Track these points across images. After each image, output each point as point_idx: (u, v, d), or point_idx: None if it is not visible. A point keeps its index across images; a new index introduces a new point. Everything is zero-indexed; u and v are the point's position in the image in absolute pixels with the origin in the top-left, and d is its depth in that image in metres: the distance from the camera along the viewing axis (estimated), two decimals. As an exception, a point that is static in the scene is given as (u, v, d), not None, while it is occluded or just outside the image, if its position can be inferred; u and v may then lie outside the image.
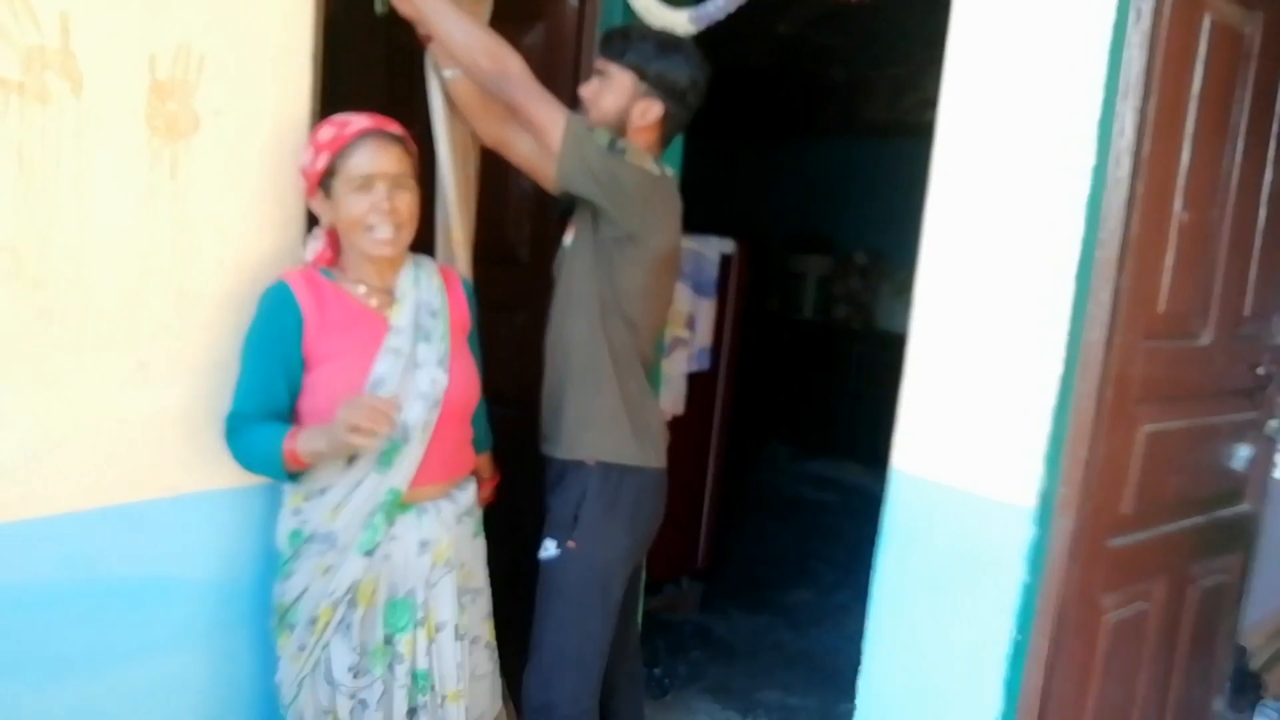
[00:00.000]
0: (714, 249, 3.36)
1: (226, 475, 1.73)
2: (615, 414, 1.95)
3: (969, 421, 1.75)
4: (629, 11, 2.23)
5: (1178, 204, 1.74)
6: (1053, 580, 1.69)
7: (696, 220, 3.33)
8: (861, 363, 5.87)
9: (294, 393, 1.67)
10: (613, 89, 1.93)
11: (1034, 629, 1.70)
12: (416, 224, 1.72)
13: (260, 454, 1.63)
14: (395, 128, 1.70)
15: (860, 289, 6.20)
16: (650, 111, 1.92)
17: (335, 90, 1.90)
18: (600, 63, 1.95)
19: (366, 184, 1.64)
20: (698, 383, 3.39)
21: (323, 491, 1.67)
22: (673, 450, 3.06)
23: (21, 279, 1.50)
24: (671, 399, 3.21)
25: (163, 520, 1.70)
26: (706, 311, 3.35)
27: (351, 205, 1.65)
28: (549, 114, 1.83)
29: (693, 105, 1.98)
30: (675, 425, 3.21)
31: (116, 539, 1.66)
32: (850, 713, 1.96)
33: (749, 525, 4.55)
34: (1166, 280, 1.77)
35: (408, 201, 1.69)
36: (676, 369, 3.24)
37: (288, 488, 1.71)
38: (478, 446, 1.94)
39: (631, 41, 1.94)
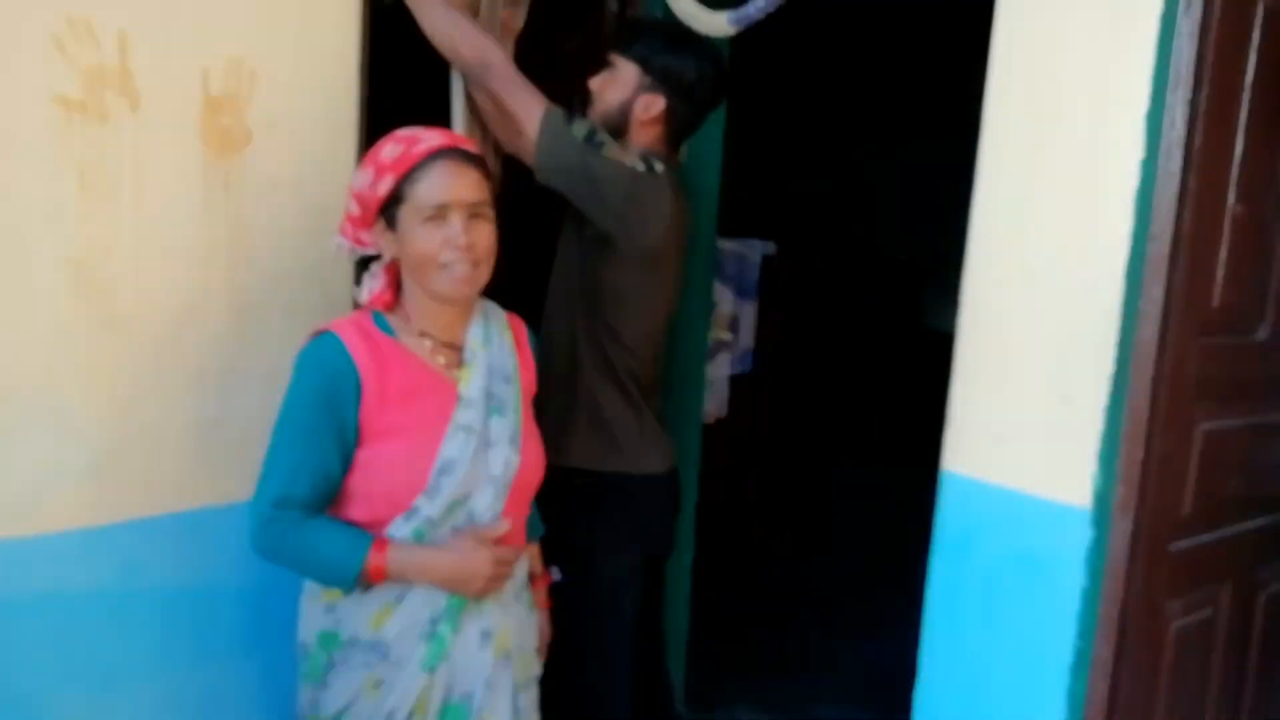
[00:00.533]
0: (756, 251, 3.35)
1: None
2: (593, 420, 1.90)
3: (1020, 421, 1.72)
4: (669, 15, 2.24)
5: (1231, 197, 1.70)
6: (1113, 585, 1.66)
7: (737, 223, 3.35)
8: (905, 363, 5.81)
9: (344, 472, 1.43)
10: (617, 81, 1.89)
11: (1097, 636, 1.67)
12: (495, 260, 1.49)
13: (328, 561, 1.39)
14: (472, 146, 1.51)
15: (905, 289, 6.16)
16: (653, 106, 1.87)
17: (378, 99, 1.93)
18: (611, 54, 1.92)
19: (440, 214, 1.41)
20: (742, 385, 3.38)
21: (363, 591, 1.42)
22: (717, 452, 3.06)
23: (85, 292, 1.54)
24: (715, 401, 3.21)
25: (219, 528, 1.73)
26: (749, 314, 3.35)
27: (422, 239, 1.41)
28: (527, 106, 1.79)
29: (702, 102, 1.91)
30: (719, 427, 3.24)
31: (174, 546, 1.68)
32: (908, 726, 1.94)
33: (797, 533, 4.51)
34: (1220, 275, 1.73)
35: (486, 234, 1.45)
36: (719, 371, 3.24)
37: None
38: (530, 532, 1.71)
39: (640, 33, 1.90)
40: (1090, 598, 1.67)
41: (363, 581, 1.39)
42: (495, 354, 1.53)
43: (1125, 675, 1.69)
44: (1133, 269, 1.59)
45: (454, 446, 1.43)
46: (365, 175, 1.46)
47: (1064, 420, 1.67)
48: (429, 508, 1.42)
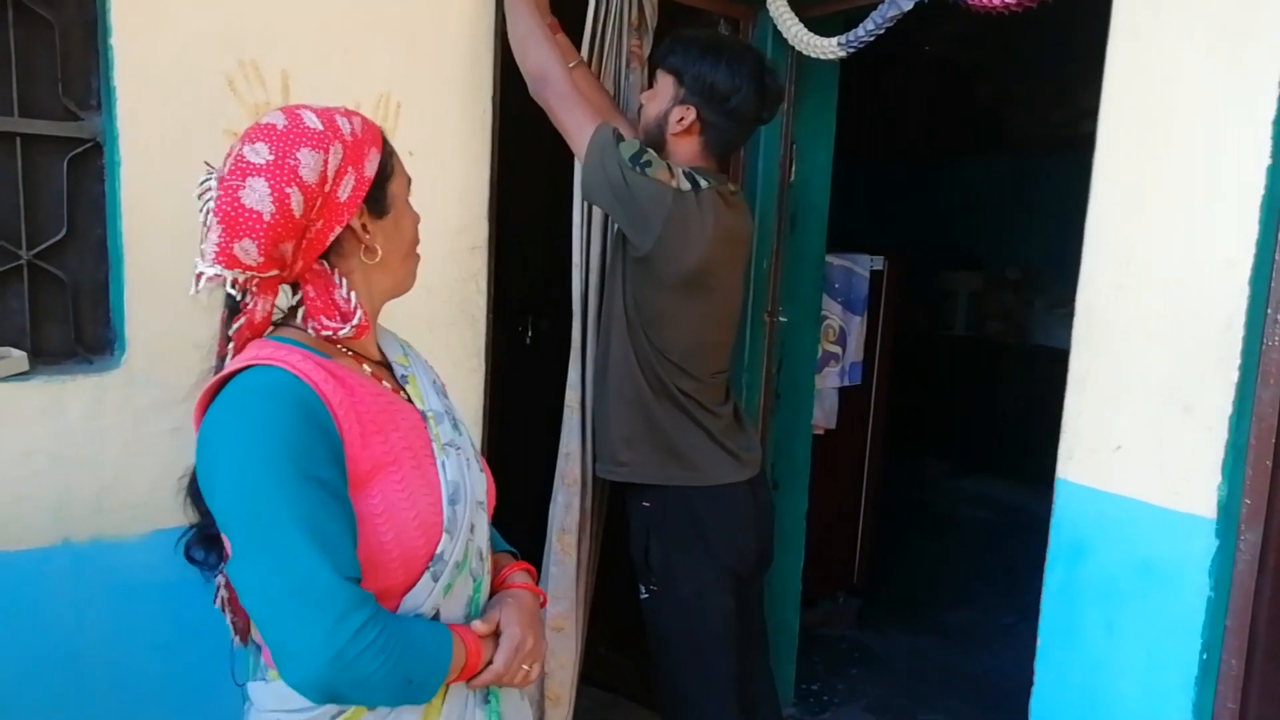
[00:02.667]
0: (864, 266, 3.37)
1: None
2: (651, 434, 1.90)
3: (1138, 430, 1.71)
4: (779, 39, 2.31)
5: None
6: (1241, 596, 1.63)
7: (846, 238, 3.38)
8: (1016, 379, 5.69)
9: None
10: (657, 94, 1.90)
11: (1225, 649, 1.64)
12: None
13: (430, 658, 1.05)
14: None
15: (1013, 304, 6.05)
16: (686, 116, 1.85)
17: (508, 128, 2.06)
18: (657, 70, 1.93)
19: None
20: (850, 397, 3.40)
21: None
22: (826, 464, 3.10)
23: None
24: (823, 413, 3.24)
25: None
26: (857, 327, 3.37)
27: (409, 218, 1.19)
28: (578, 123, 1.82)
29: (740, 114, 1.85)
30: (828, 440, 3.27)
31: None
32: (1020, 736, 1.94)
33: (906, 542, 4.48)
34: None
35: None
36: (828, 383, 3.27)
37: (293, 708, 1.07)
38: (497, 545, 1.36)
39: (677, 45, 1.87)
40: (1216, 609, 1.64)
41: (450, 676, 1.09)
42: (420, 366, 1.28)
43: (1255, 689, 1.66)
44: (1258, 276, 1.57)
45: (452, 468, 1.15)
46: (325, 158, 1.05)
47: (1185, 429, 1.65)
48: (452, 550, 1.12)
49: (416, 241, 1.20)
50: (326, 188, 1.05)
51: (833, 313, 3.26)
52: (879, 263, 3.43)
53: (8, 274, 1.55)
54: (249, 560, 0.98)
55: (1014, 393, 5.69)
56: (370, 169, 1.10)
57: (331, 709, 1.07)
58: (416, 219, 1.20)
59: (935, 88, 5.98)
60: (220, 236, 1.01)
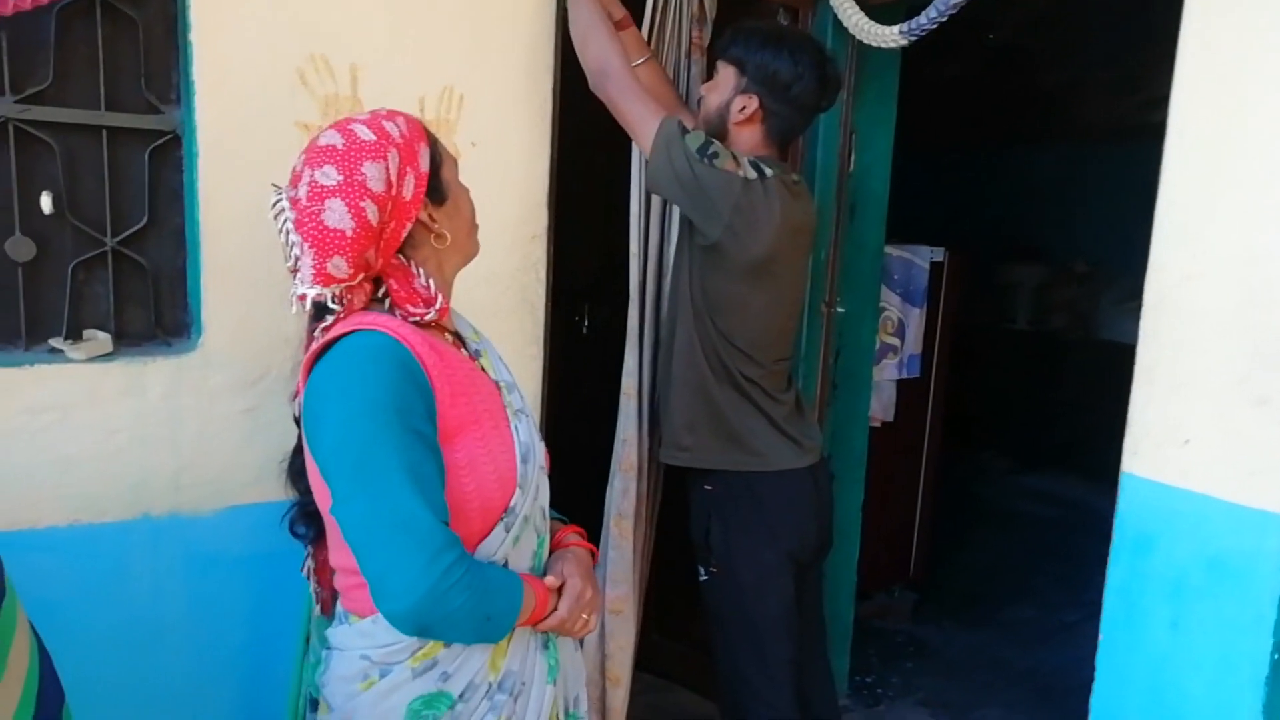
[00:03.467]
0: (923, 257, 3.34)
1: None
2: (713, 419, 1.92)
3: (1208, 424, 1.67)
4: (839, 27, 2.30)
5: None
6: (1315, 595, 1.59)
7: (907, 229, 3.34)
8: (1081, 374, 5.57)
9: None
10: (718, 85, 1.91)
11: (1297, 649, 1.60)
12: None
13: (505, 600, 1.15)
14: None
15: (1079, 298, 5.92)
16: (748, 106, 1.86)
17: (567, 119, 2.08)
18: (717, 61, 1.94)
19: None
20: (908, 389, 3.37)
21: None
22: (883, 456, 3.08)
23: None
24: (881, 405, 3.22)
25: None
26: (916, 319, 3.33)
27: (466, 197, 1.28)
28: (641, 116, 1.84)
29: (800, 103, 1.87)
30: (886, 432, 3.24)
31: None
32: (1081, 734, 1.91)
33: (964, 537, 4.42)
34: None
35: None
36: (885, 375, 3.24)
37: (377, 645, 1.17)
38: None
39: (739, 36, 1.89)
40: (1288, 607, 1.60)
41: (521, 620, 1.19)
42: (488, 344, 1.38)
43: (1329, 691, 1.62)
44: (1336, 265, 1.53)
45: (524, 431, 1.26)
46: (385, 166, 1.15)
47: (1258, 422, 1.61)
48: (523, 504, 1.22)
49: (475, 214, 1.30)
50: (393, 192, 1.15)
51: (891, 304, 3.23)
52: (939, 254, 3.39)
53: (94, 260, 1.62)
54: (355, 501, 1.08)
55: (1078, 388, 5.57)
56: (424, 164, 1.19)
57: (411, 644, 1.16)
58: (469, 193, 1.29)
59: (1000, 75, 5.86)
60: (314, 259, 1.13)
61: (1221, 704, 1.66)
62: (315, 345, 1.17)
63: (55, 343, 1.58)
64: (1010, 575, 4.08)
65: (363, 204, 1.12)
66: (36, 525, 1.55)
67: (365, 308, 1.19)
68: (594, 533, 2.26)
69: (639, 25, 2.10)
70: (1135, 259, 1.82)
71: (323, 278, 1.13)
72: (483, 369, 1.30)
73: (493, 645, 1.20)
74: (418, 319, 1.20)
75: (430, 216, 1.21)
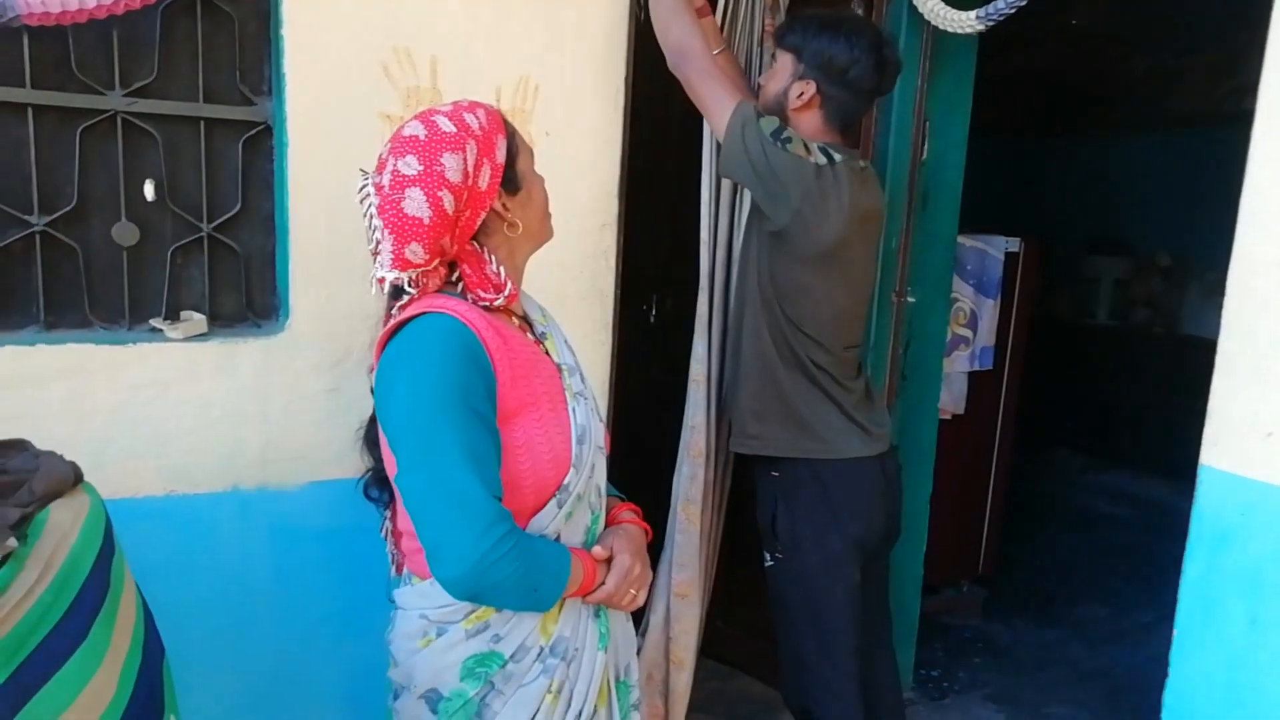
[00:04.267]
0: (998, 248, 3.28)
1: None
2: (782, 407, 1.93)
3: (1294, 416, 1.63)
4: (914, 13, 2.28)
5: None
6: (1399, 592, 1.54)
7: (984, 219, 3.29)
8: (1163, 370, 5.39)
9: None
10: (776, 73, 1.92)
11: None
12: None
13: (555, 576, 1.22)
14: None
15: (1162, 292, 5.73)
16: (806, 91, 1.87)
17: (639, 108, 2.11)
18: (775, 49, 1.95)
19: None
20: (980, 382, 3.32)
21: None
22: (953, 448, 3.04)
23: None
24: (952, 397, 3.18)
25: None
26: (989, 310, 3.28)
27: (540, 186, 1.33)
28: (718, 99, 1.85)
29: (858, 87, 1.87)
30: (956, 424, 3.20)
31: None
32: (1155, 733, 1.87)
33: (1036, 535, 4.34)
34: None
35: None
36: (957, 367, 3.20)
37: (434, 605, 1.25)
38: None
39: (795, 23, 1.90)
40: (1373, 605, 1.55)
41: (568, 592, 1.25)
42: (555, 328, 1.43)
43: None
44: None
45: (581, 413, 1.31)
46: (464, 157, 1.20)
47: (1345, 415, 1.57)
48: (576, 482, 1.28)
49: (548, 202, 1.34)
50: (469, 182, 1.20)
51: (964, 295, 3.19)
52: (1014, 244, 3.33)
53: (191, 245, 1.71)
54: (415, 473, 1.15)
55: (1160, 385, 5.40)
56: (500, 155, 1.24)
57: (465, 607, 1.24)
58: (543, 182, 1.33)
59: (1085, 61, 5.69)
60: (393, 245, 1.19)
61: (1302, 702, 1.62)
62: (390, 324, 1.24)
63: (155, 323, 1.68)
64: (1084, 574, 3.99)
65: (440, 193, 1.18)
66: (136, 495, 1.65)
67: (439, 290, 1.25)
68: (660, 517, 2.30)
69: (714, 14, 2.11)
70: (1221, 252, 1.77)
71: (400, 262, 1.19)
72: (546, 352, 1.35)
73: (542, 613, 1.25)
74: (487, 304, 1.25)
75: (504, 206, 1.26)
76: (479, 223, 1.23)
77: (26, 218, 1.58)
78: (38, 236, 1.60)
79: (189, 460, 1.70)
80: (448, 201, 1.19)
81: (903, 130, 2.47)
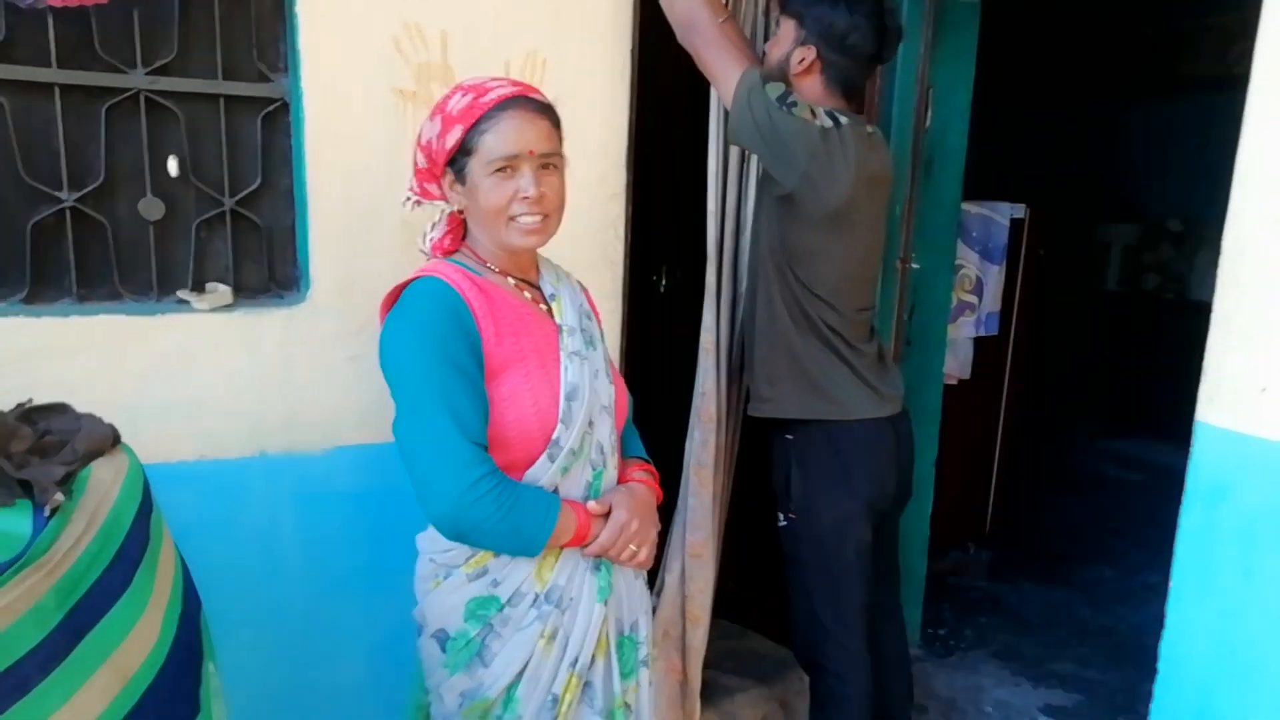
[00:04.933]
0: (1003, 214, 3.31)
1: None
2: (794, 370, 1.97)
3: (1287, 372, 1.67)
4: (917, -19, 2.31)
5: None
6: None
7: (992, 185, 3.32)
8: (1173, 337, 5.40)
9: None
10: (779, 39, 1.96)
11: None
12: (564, 208, 1.43)
13: (534, 522, 1.30)
14: (541, 94, 1.41)
15: (1173, 258, 5.73)
16: (806, 57, 1.91)
17: (645, 80, 2.15)
18: (779, 17, 1.98)
19: (510, 165, 1.33)
20: (986, 348, 3.36)
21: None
22: (958, 413, 3.09)
23: (411, 247, 1.85)
24: (957, 362, 3.22)
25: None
26: (995, 276, 3.32)
27: (491, 192, 1.34)
28: (724, 67, 1.89)
29: (857, 53, 1.91)
30: (961, 389, 3.25)
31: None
32: (1157, 692, 1.93)
33: (1045, 499, 4.39)
34: None
35: (557, 185, 1.39)
36: (962, 333, 3.24)
37: (440, 549, 1.38)
38: (630, 450, 1.62)
39: None
40: (1363, 555, 1.60)
41: (551, 545, 1.33)
42: (570, 291, 1.51)
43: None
44: None
45: (574, 371, 1.38)
46: (433, 126, 1.37)
47: (1337, 371, 1.61)
48: (568, 438, 1.35)
49: (499, 214, 1.37)
50: (432, 149, 1.38)
51: (969, 261, 3.22)
52: (1020, 211, 3.36)
53: (214, 219, 1.77)
54: (403, 421, 1.30)
55: (1171, 351, 5.40)
56: (450, 140, 1.35)
57: (465, 551, 1.35)
58: (502, 196, 1.35)
59: (1095, 26, 5.66)
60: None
61: (1292, 648, 1.67)
62: (391, 289, 1.39)
63: (182, 294, 1.74)
64: (1091, 537, 4.05)
65: (418, 150, 1.42)
66: (169, 459, 1.72)
67: (449, 255, 1.45)
68: (671, 481, 2.36)
69: None
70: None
71: (410, 188, 1.47)
72: (549, 312, 1.45)
73: (537, 559, 1.34)
74: (478, 265, 1.42)
75: (451, 185, 1.40)
76: (443, 187, 1.41)
77: (57, 194, 1.64)
78: (68, 212, 1.66)
79: (217, 426, 1.77)
80: (419, 156, 1.41)
81: (906, 97, 2.50)
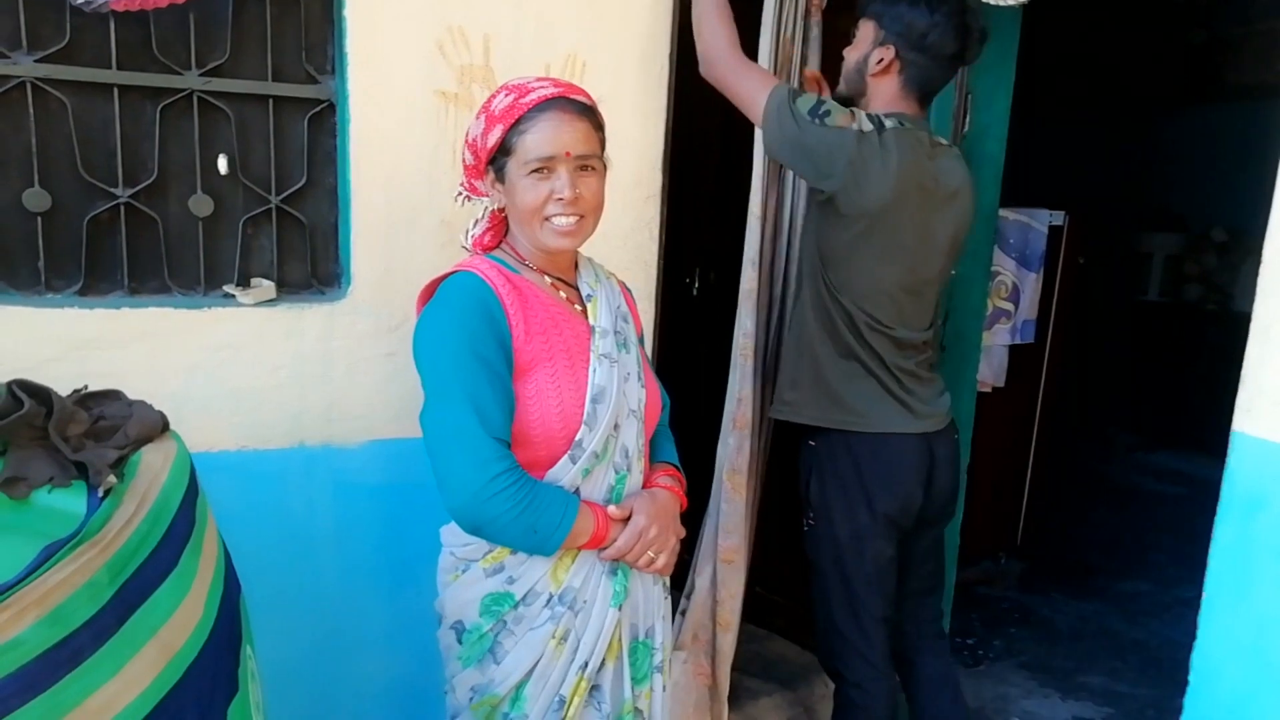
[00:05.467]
0: (1041, 221, 3.28)
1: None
2: (815, 377, 1.96)
3: (1326, 384, 1.65)
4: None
5: None
6: None
7: (1033, 192, 3.29)
8: (1216, 348, 5.31)
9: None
10: (857, 42, 1.95)
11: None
12: (602, 211, 1.44)
13: (552, 516, 1.30)
14: (584, 96, 1.41)
15: (1217, 268, 5.64)
16: (884, 58, 1.90)
17: (683, 83, 2.17)
18: (858, 22, 1.97)
19: (547, 166, 1.34)
20: (1022, 355, 3.34)
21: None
22: (991, 422, 3.07)
23: (450, 245, 1.89)
24: (991, 370, 3.21)
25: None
26: (1032, 284, 3.29)
27: (528, 192, 1.35)
28: (751, 90, 1.90)
29: (937, 52, 1.89)
30: (995, 397, 3.23)
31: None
32: (1189, 705, 1.91)
33: (1081, 510, 4.35)
34: None
35: (594, 187, 1.39)
36: (997, 340, 3.22)
37: (460, 543, 1.41)
38: (661, 455, 1.62)
39: None
40: (1401, 570, 1.58)
41: (568, 545, 1.33)
42: (609, 293, 1.51)
43: None
44: None
45: (602, 374, 1.38)
46: (478, 124, 1.40)
47: (1377, 384, 1.59)
48: (591, 440, 1.35)
49: (534, 214, 1.38)
50: (476, 147, 1.41)
51: (1006, 268, 3.21)
52: (1059, 218, 3.33)
53: (260, 216, 1.82)
54: (429, 411, 1.32)
55: (1213, 363, 5.32)
56: (491, 140, 1.37)
57: (483, 546, 1.37)
58: (537, 196, 1.36)
59: (1143, 33, 5.58)
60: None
61: (1326, 665, 1.65)
62: (427, 283, 1.43)
63: (228, 289, 1.80)
64: (1127, 550, 4.00)
65: (466, 143, 1.45)
66: (212, 449, 1.77)
67: (489, 250, 1.48)
68: (700, 484, 2.36)
69: None
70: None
71: (461, 183, 1.51)
72: (584, 313, 1.45)
73: (553, 559, 1.35)
74: (515, 263, 1.43)
75: (492, 183, 1.42)
76: (486, 184, 1.43)
77: (112, 190, 1.70)
78: (122, 208, 1.71)
79: (259, 418, 1.82)
80: (467, 154, 1.44)
81: (944, 104, 2.49)
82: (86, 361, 1.65)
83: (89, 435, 1.13)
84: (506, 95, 1.37)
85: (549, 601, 1.36)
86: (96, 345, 1.67)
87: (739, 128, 2.27)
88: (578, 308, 1.46)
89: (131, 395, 1.32)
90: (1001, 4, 2.15)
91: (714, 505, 2.36)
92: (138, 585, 1.01)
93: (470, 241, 1.50)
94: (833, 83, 2.13)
